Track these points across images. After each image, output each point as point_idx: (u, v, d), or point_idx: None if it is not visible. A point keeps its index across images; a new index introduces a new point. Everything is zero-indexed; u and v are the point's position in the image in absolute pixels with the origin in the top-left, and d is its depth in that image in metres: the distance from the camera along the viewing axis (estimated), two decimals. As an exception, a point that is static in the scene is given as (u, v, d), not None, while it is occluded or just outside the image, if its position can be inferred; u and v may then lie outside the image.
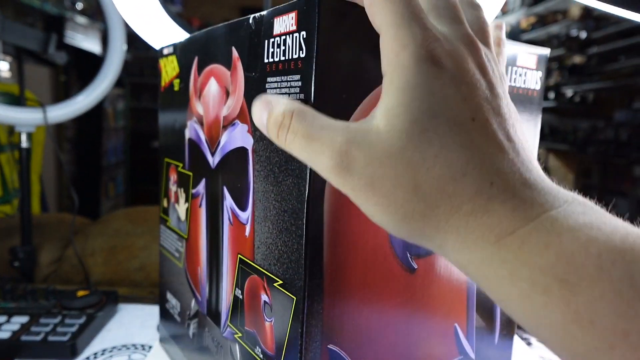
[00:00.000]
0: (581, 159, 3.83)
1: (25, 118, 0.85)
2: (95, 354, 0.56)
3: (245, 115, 0.36)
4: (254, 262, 0.36)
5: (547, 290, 0.20)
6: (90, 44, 2.64)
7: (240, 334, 0.38)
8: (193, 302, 0.49)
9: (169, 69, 0.52)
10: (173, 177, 0.52)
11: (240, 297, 0.38)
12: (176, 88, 0.50)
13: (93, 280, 0.86)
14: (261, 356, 0.35)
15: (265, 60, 0.33)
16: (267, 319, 0.34)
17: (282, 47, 0.31)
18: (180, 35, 0.83)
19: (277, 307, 0.32)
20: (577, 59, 4.13)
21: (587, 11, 3.83)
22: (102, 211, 2.91)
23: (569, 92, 4.19)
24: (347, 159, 0.23)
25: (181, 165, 0.49)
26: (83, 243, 0.92)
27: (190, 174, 0.47)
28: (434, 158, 0.22)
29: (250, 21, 0.35)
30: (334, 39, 0.28)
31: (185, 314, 0.51)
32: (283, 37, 0.31)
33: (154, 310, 0.68)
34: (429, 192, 0.22)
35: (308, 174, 0.29)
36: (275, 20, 0.32)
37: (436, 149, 0.22)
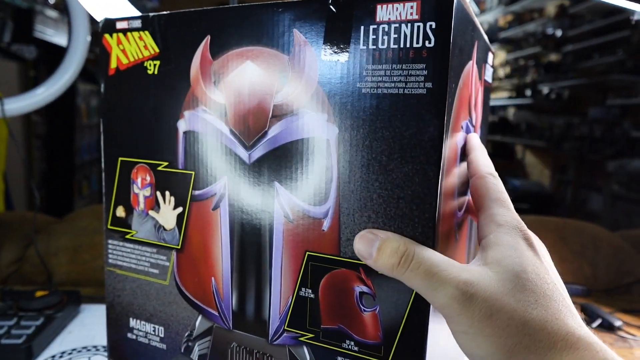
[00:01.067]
0: (557, 155, 3.82)
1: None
2: (53, 356, 0.53)
3: (322, 103, 0.34)
4: (339, 257, 0.34)
5: None
6: (62, 38, 2.51)
7: (310, 335, 0.37)
8: (199, 319, 0.41)
9: (132, 47, 0.42)
10: (142, 179, 0.43)
11: (311, 296, 0.36)
12: (151, 71, 0.41)
13: (57, 281, 0.82)
14: (356, 349, 0.35)
15: (362, 47, 0.31)
16: (367, 310, 0.34)
17: (394, 35, 0.30)
18: (126, 10, 0.71)
19: (387, 294, 0.33)
20: (553, 57, 4.09)
21: (563, 10, 3.81)
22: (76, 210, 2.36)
23: (545, 89, 4.15)
24: (469, 293, 0.28)
25: (165, 164, 0.41)
26: (46, 242, 0.88)
27: (192, 172, 0.40)
28: (535, 302, 0.28)
29: (330, 4, 0.32)
30: (458, 31, 0.29)
31: (178, 337, 0.43)
32: (395, 25, 0.30)
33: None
34: (534, 328, 0.27)
35: (441, 159, 0.30)
36: (378, 7, 0.30)
37: (535, 296, 0.28)
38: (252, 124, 0.36)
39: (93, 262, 0.84)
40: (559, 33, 3.89)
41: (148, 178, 0.43)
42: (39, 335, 0.54)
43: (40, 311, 0.58)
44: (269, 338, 0.38)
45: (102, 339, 0.59)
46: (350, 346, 0.35)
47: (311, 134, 0.34)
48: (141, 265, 0.45)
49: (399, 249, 0.30)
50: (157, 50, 0.40)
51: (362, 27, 0.31)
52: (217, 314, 0.41)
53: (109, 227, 0.46)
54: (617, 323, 0.70)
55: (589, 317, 0.73)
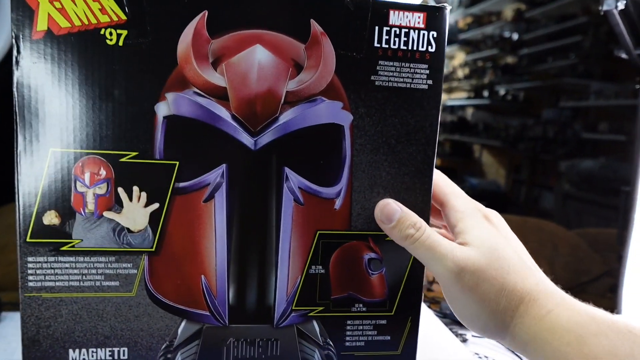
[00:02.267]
0: (512, 155, 3.84)
1: None
2: None
3: (337, 92, 0.36)
4: (350, 230, 0.38)
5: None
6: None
7: (320, 308, 0.39)
8: (182, 326, 0.37)
9: (79, 8, 0.34)
10: (92, 174, 0.35)
11: (322, 271, 0.39)
12: (112, 41, 0.35)
13: None
14: (364, 309, 0.40)
15: (376, 45, 0.36)
16: (374, 273, 0.39)
17: (404, 38, 0.36)
18: None
19: (392, 257, 0.39)
20: (510, 59, 4.08)
21: (519, 14, 3.82)
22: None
23: (501, 90, 4.15)
24: (460, 267, 0.34)
25: (132, 154, 0.35)
26: None
27: (175, 163, 0.36)
28: (508, 269, 0.35)
29: (348, 3, 0.36)
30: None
31: (150, 354, 0.37)
32: (405, 30, 0.36)
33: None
34: (509, 289, 0.35)
35: (436, 141, 0.39)
36: (391, 12, 0.36)
37: (507, 264, 0.35)
38: (260, 109, 0.36)
39: None
40: (515, 36, 3.90)
41: (103, 172, 0.35)
42: None
43: None
44: (274, 323, 0.38)
45: (20, 354, 0.46)
46: (359, 308, 0.39)
47: (327, 120, 0.37)
48: (88, 281, 0.36)
49: (416, 224, 0.36)
50: (124, 17, 0.34)
51: (376, 28, 0.36)
52: (207, 313, 0.38)
53: (28, 240, 0.35)
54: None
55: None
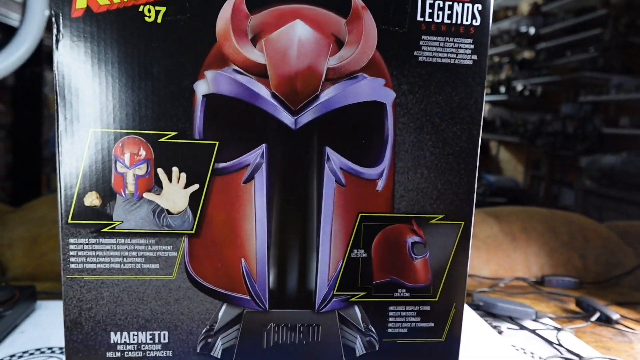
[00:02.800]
0: (530, 151, 3.75)
1: None
2: None
3: (379, 68, 0.35)
4: (392, 213, 0.37)
5: None
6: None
7: (362, 293, 0.38)
8: (222, 309, 0.36)
9: None
10: (132, 154, 0.34)
11: (363, 255, 0.37)
12: (151, 18, 0.34)
13: (11, 276, 0.75)
14: (407, 294, 0.38)
15: (419, 19, 0.35)
16: (418, 257, 0.38)
17: (447, 12, 0.35)
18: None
19: (436, 239, 0.38)
20: (527, 54, 3.99)
21: (536, 7, 3.74)
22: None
23: (519, 86, 4.02)
24: None
25: (172, 134, 0.35)
26: (0, 233, 0.78)
27: (215, 143, 0.35)
28: None
29: None
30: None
31: (191, 337, 0.36)
32: (448, 3, 0.35)
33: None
34: None
35: (481, 119, 0.37)
36: None
37: None
38: (300, 86, 0.35)
39: (52, 254, 0.76)
40: (532, 31, 3.82)
41: (142, 152, 0.34)
42: None
43: None
44: (316, 308, 0.37)
45: (59, 340, 0.50)
46: (401, 294, 0.38)
47: (369, 97, 0.35)
48: (129, 264, 0.35)
49: None
50: (163, -6, 0.33)
51: (419, 1, 0.35)
52: (248, 297, 0.37)
53: (70, 221, 0.34)
54: (615, 316, 0.65)
55: (585, 310, 0.68)
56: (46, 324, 0.54)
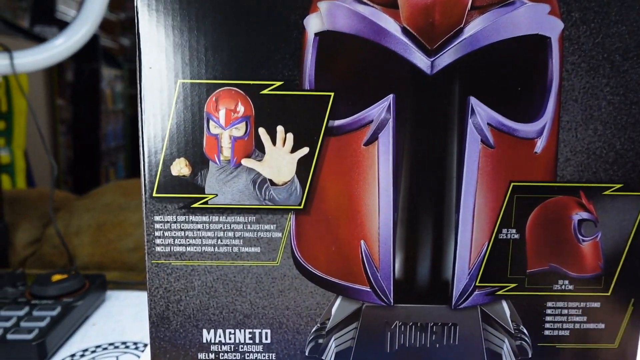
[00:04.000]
0: None
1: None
2: (72, 355, 0.42)
3: (544, -10, 0.26)
4: (555, 182, 0.28)
5: None
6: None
7: (512, 285, 0.29)
8: (337, 303, 0.28)
9: None
10: (228, 111, 0.27)
11: (515, 236, 0.29)
12: None
13: (79, 264, 0.71)
14: (570, 287, 0.29)
15: None
16: (586, 239, 0.29)
17: None
18: None
19: (611, 216, 0.28)
20: None
21: None
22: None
23: None
24: None
25: (276, 84, 0.27)
26: (67, 220, 0.76)
27: (330, 94, 0.27)
28: None
29: None
30: None
31: (298, 337, 0.29)
32: None
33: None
34: None
35: None
36: None
37: None
38: (439, 19, 0.26)
39: (118, 242, 0.74)
40: None
41: (241, 108, 0.27)
42: (54, 328, 0.43)
43: (57, 298, 0.49)
44: (453, 303, 0.29)
45: (132, 334, 0.46)
46: (563, 286, 0.29)
47: (528, 30, 0.26)
48: (224, 246, 0.28)
49: None
50: None
51: None
52: (368, 289, 0.29)
53: (154, 195, 0.28)
54: None
55: None
56: (118, 315, 0.49)
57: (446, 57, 0.26)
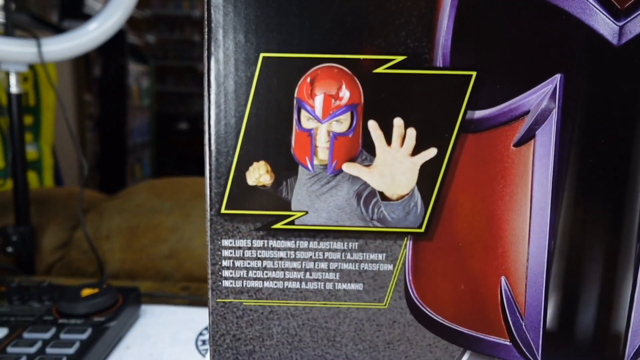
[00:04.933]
0: None
1: (13, 52, 0.59)
2: None
3: None
4: None
5: None
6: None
7: None
8: (465, 359, 0.20)
9: None
10: (327, 97, 0.19)
11: None
12: None
13: (109, 271, 0.65)
14: None
15: None
16: None
17: None
18: None
19: None
20: None
21: None
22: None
23: None
24: None
25: (398, 59, 0.19)
26: (97, 222, 0.70)
27: (472, 74, 0.19)
28: None
29: None
30: None
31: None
32: None
33: (189, 315, 0.50)
34: None
35: None
36: None
37: None
38: (637, -37, 0.18)
39: (152, 248, 0.67)
40: None
41: (345, 94, 0.19)
42: (84, 355, 0.37)
43: (87, 317, 0.44)
44: (627, 364, 0.21)
45: (171, 357, 0.40)
46: None
47: None
48: (314, 282, 0.20)
49: None
50: None
51: None
52: (508, 342, 0.21)
53: (223, 211, 0.20)
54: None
55: None
56: (155, 337, 0.43)
57: (642, 21, 0.18)
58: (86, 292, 0.45)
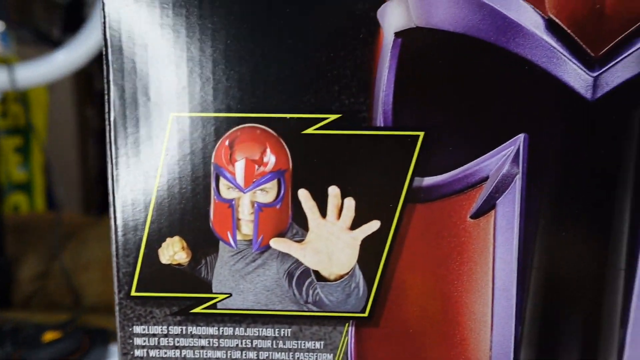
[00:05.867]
0: None
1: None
2: None
3: None
4: None
5: None
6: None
7: None
8: None
9: None
10: (249, 162, 0.16)
11: None
12: None
13: (88, 303, 0.60)
14: None
15: None
16: None
17: None
18: None
19: None
20: None
21: None
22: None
23: None
24: None
25: (332, 117, 0.15)
26: (78, 251, 0.65)
27: (419, 134, 0.15)
28: None
29: None
30: None
31: None
32: None
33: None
34: None
35: None
36: None
37: None
38: (612, 4, 0.14)
39: None
40: None
41: (270, 159, 0.16)
42: None
43: None
44: None
45: None
46: None
47: None
48: (242, 373, 0.17)
49: None
50: None
51: None
52: None
53: (133, 294, 0.17)
54: None
55: None
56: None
57: (620, 71, 0.15)
58: (49, 336, 0.42)
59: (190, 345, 0.17)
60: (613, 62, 0.15)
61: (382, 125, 0.15)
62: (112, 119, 0.16)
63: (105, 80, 0.16)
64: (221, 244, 0.16)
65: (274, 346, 0.17)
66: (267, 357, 0.17)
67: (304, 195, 0.16)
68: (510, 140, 0.15)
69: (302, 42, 0.15)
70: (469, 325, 0.16)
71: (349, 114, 0.15)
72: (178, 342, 0.17)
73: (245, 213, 0.16)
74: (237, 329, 0.17)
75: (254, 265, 0.16)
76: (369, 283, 0.16)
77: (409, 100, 0.15)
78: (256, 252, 0.16)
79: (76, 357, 0.41)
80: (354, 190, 0.16)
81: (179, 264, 0.16)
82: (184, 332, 0.17)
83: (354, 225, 0.16)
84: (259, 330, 0.17)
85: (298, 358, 0.17)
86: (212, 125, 0.16)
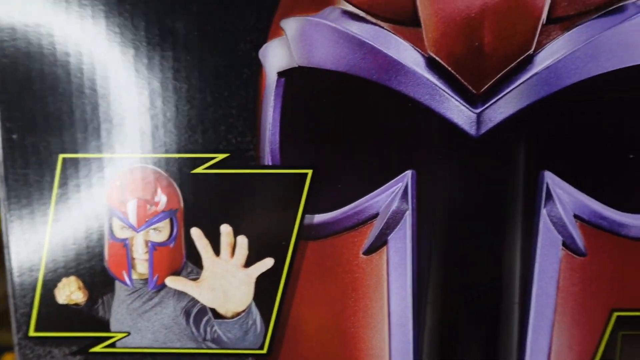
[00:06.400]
0: None
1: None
2: None
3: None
4: None
5: None
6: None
7: None
8: None
9: None
10: (142, 203, 0.15)
11: None
12: None
13: None
14: None
15: None
16: None
17: None
18: None
19: None
20: None
21: None
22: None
23: None
24: None
25: (221, 157, 0.15)
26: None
27: (307, 172, 0.15)
28: None
29: None
30: None
31: None
32: None
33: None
34: None
35: None
36: None
37: None
38: (491, 41, 0.14)
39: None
40: None
41: (161, 199, 0.15)
42: None
43: None
44: None
45: None
46: None
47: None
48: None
49: None
50: None
51: None
52: None
53: (31, 334, 0.16)
54: None
55: None
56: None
57: (503, 107, 0.14)
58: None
59: (91, 384, 0.17)
60: (495, 99, 0.14)
61: (270, 163, 0.15)
62: (0, 158, 0.15)
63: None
64: (117, 283, 0.16)
65: (175, 384, 0.17)
66: (168, 394, 0.17)
67: (196, 233, 0.16)
68: (398, 177, 0.15)
69: (187, 84, 0.15)
70: (363, 353, 0.16)
71: (237, 153, 0.15)
72: (79, 381, 0.17)
73: (140, 252, 0.16)
74: (136, 367, 0.16)
75: (151, 304, 0.16)
76: (266, 320, 0.16)
77: (296, 139, 0.15)
78: (152, 290, 0.16)
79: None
80: (246, 228, 0.15)
81: (76, 304, 0.16)
82: (83, 372, 0.17)
83: (248, 263, 0.16)
84: (158, 368, 0.16)
85: (199, 395, 0.17)
86: (100, 165, 0.15)
